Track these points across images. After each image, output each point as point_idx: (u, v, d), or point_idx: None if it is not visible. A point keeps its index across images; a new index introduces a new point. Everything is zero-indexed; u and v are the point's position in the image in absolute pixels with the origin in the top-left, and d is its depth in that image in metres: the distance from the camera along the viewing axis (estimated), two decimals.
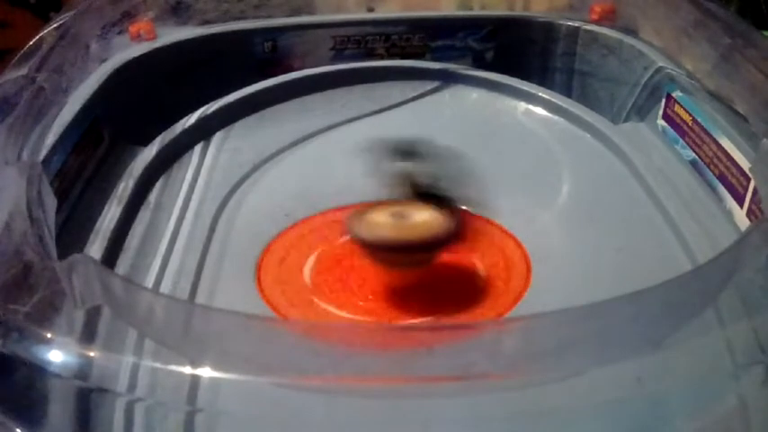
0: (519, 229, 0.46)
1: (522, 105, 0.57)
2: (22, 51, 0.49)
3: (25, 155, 0.40)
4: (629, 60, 0.59)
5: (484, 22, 0.65)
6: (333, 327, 0.32)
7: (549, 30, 0.64)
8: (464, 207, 0.43)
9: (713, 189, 0.47)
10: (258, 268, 0.44)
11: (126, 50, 0.58)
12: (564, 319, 0.29)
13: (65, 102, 0.49)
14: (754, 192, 0.42)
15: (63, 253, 0.33)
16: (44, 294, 0.31)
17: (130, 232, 0.45)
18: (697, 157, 0.49)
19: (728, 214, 0.45)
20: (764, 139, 0.41)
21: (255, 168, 0.52)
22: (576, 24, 0.63)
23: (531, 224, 0.47)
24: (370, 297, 0.42)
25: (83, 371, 0.29)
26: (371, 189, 0.50)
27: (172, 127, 0.53)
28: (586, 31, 0.63)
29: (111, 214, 0.45)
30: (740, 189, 0.44)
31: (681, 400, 0.29)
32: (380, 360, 0.28)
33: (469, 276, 0.43)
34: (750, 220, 0.43)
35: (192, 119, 0.54)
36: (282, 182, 0.51)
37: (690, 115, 0.50)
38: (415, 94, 0.59)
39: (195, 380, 0.28)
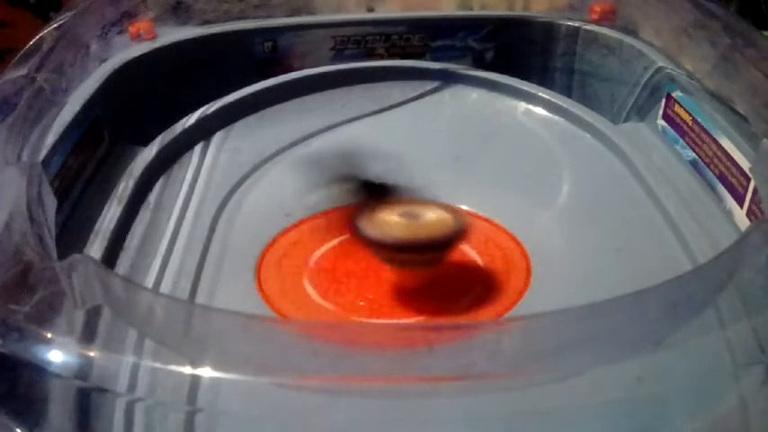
0: (519, 229, 0.46)
1: (522, 105, 0.57)
2: (22, 51, 0.49)
3: (25, 155, 0.40)
4: (629, 60, 0.59)
5: (484, 22, 0.65)
6: (333, 327, 0.32)
7: (549, 30, 0.64)
8: (400, 194, 0.43)
9: (713, 189, 0.47)
10: (258, 268, 0.44)
11: (126, 50, 0.58)
12: (564, 319, 0.29)
13: (65, 102, 0.49)
14: (754, 192, 0.42)
15: (63, 253, 0.33)
16: (44, 294, 0.31)
17: (130, 232, 0.45)
18: (697, 157, 0.49)
19: (728, 214, 0.45)
20: (764, 139, 0.41)
21: (255, 168, 0.52)
22: (576, 24, 0.63)
23: (531, 224, 0.47)
24: (371, 297, 0.42)
25: (83, 371, 0.29)
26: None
27: (172, 127, 0.53)
28: (586, 31, 0.63)
29: (111, 214, 0.45)
30: (740, 189, 0.44)
31: (681, 400, 0.29)
32: (380, 360, 0.28)
33: (469, 276, 0.43)
34: (750, 220, 0.43)
35: (192, 119, 0.54)
36: (282, 182, 0.51)
37: (690, 115, 0.50)
38: (415, 94, 0.59)
39: (195, 380, 0.28)
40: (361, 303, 0.42)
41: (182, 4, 0.63)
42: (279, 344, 0.29)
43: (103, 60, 0.56)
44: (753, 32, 0.49)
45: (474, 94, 0.59)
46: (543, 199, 0.49)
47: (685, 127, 0.51)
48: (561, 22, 0.64)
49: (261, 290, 0.42)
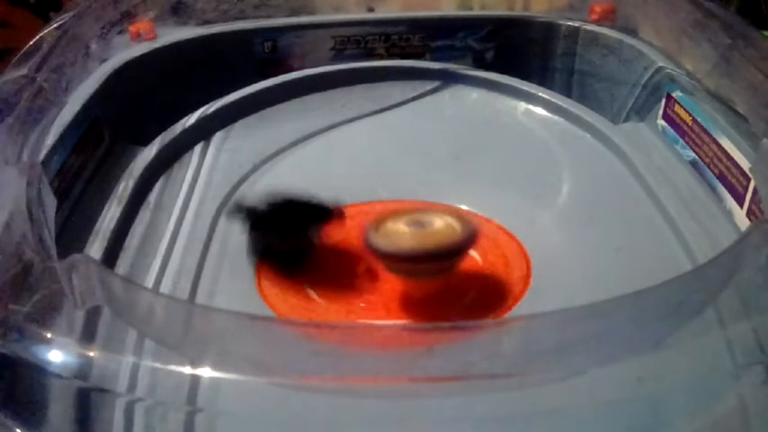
0: (519, 229, 0.46)
1: (522, 105, 0.57)
2: (22, 51, 0.49)
3: (25, 155, 0.40)
4: (629, 60, 0.59)
5: (484, 22, 0.65)
6: (333, 327, 0.32)
7: (549, 30, 0.64)
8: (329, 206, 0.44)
9: (713, 189, 0.47)
10: (258, 268, 0.44)
11: (126, 50, 0.58)
12: (564, 319, 0.29)
13: (65, 102, 0.49)
14: (754, 192, 0.42)
15: (63, 253, 0.33)
16: (44, 294, 0.31)
17: (130, 232, 0.45)
18: (697, 157, 0.49)
19: (728, 214, 0.45)
20: (764, 139, 0.41)
21: (255, 168, 0.52)
22: (576, 24, 0.63)
23: (531, 224, 0.47)
24: (370, 297, 0.42)
25: (83, 371, 0.29)
26: (371, 189, 0.50)
27: (172, 127, 0.53)
28: (586, 31, 0.63)
29: (111, 214, 0.45)
30: (740, 189, 0.44)
31: (681, 400, 0.29)
32: (380, 360, 0.28)
33: (469, 276, 0.43)
34: (750, 220, 0.43)
35: (192, 119, 0.54)
36: (282, 182, 0.51)
37: (690, 115, 0.50)
38: (415, 94, 0.59)
39: (195, 380, 0.28)
40: (362, 304, 0.42)
41: (182, 4, 0.63)
42: (279, 344, 0.29)
43: (103, 60, 0.56)
44: (753, 32, 0.49)
45: (474, 94, 0.59)
46: (543, 199, 0.49)
47: (685, 127, 0.51)
48: (561, 22, 0.64)
49: (261, 290, 0.42)
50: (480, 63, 0.65)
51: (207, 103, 0.56)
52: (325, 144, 0.55)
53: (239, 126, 0.56)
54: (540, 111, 0.57)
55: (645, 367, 0.28)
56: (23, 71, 0.46)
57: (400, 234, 0.40)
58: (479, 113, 0.58)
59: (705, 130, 0.48)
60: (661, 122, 0.54)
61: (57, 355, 0.29)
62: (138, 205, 0.47)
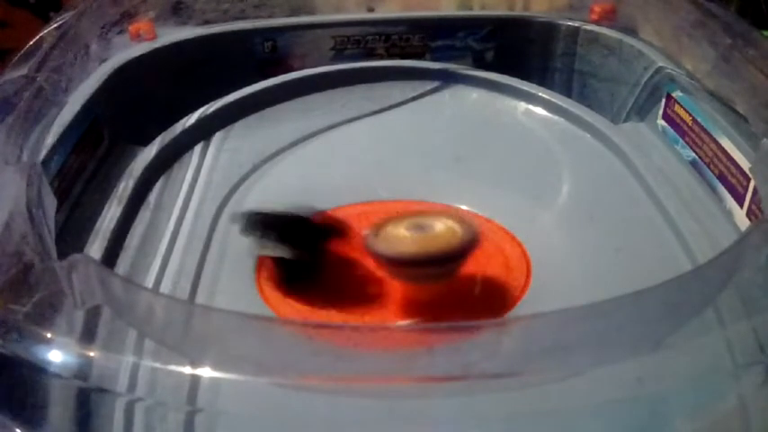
0: (519, 229, 0.46)
1: (522, 105, 0.57)
2: (22, 51, 0.49)
3: (25, 155, 0.40)
4: (629, 60, 0.59)
5: (484, 22, 0.65)
6: (333, 327, 0.32)
7: (549, 30, 0.64)
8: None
9: (713, 189, 0.47)
10: (258, 268, 0.44)
11: (126, 50, 0.58)
12: (564, 319, 0.29)
13: (65, 102, 0.49)
14: (754, 192, 0.42)
15: (63, 253, 0.33)
16: (44, 294, 0.31)
17: (130, 232, 0.45)
18: (697, 157, 0.49)
19: (728, 214, 0.45)
20: (764, 139, 0.41)
21: (255, 168, 0.52)
22: (576, 24, 0.63)
23: (531, 224, 0.47)
24: (370, 297, 0.42)
25: (83, 371, 0.29)
26: (371, 189, 0.50)
27: (172, 127, 0.53)
28: (586, 31, 0.63)
29: (111, 214, 0.45)
30: (740, 189, 0.44)
31: (681, 400, 0.29)
32: (380, 360, 0.28)
33: (469, 276, 0.43)
34: (750, 220, 0.43)
35: (192, 119, 0.54)
36: (282, 182, 0.51)
37: (690, 115, 0.50)
38: (415, 94, 0.59)
39: (195, 380, 0.28)
40: (362, 304, 0.41)
41: (182, 4, 0.63)
42: (279, 344, 0.29)
43: (103, 60, 0.56)
44: (753, 32, 0.49)
45: (474, 94, 0.59)
46: (543, 199, 0.49)
47: (685, 127, 0.51)
48: (561, 22, 0.64)
49: (261, 290, 0.42)
50: (480, 63, 0.65)
51: (207, 103, 0.56)
52: (325, 144, 0.55)
53: (239, 126, 0.56)
54: (540, 111, 0.57)
55: (645, 367, 0.28)
56: (23, 71, 0.46)
57: (401, 239, 0.39)
58: (479, 113, 0.58)
59: (705, 130, 0.48)
60: (661, 122, 0.54)
61: (57, 355, 0.29)
62: (138, 205, 0.47)
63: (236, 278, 0.43)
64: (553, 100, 0.57)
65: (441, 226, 0.40)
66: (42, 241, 0.34)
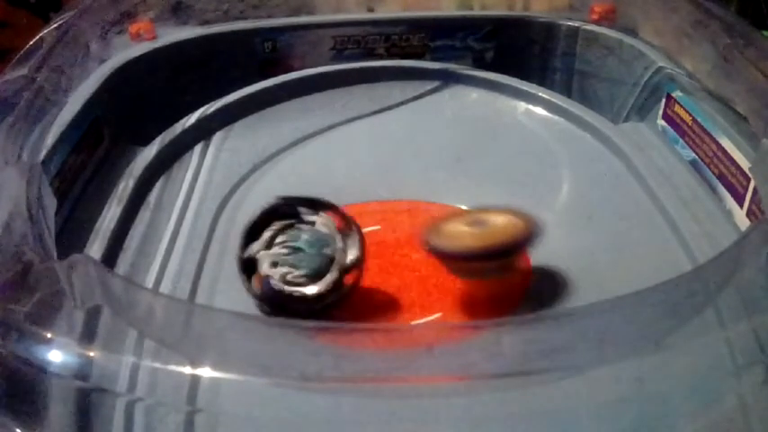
0: None
1: (522, 105, 0.57)
2: (22, 51, 0.49)
3: (25, 155, 0.40)
4: (629, 60, 0.59)
5: (484, 22, 0.65)
6: (333, 327, 0.32)
7: (549, 30, 0.64)
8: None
9: (713, 189, 0.47)
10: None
11: (126, 50, 0.58)
12: (564, 319, 0.29)
13: (65, 102, 0.49)
14: (754, 192, 0.42)
15: (63, 253, 0.33)
16: (44, 294, 0.31)
17: (130, 232, 0.45)
18: (697, 157, 0.49)
19: (728, 214, 0.45)
20: (764, 139, 0.41)
21: (255, 168, 0.52)
22: (576, 24, 0.63)
23: None
24: (367, 298, 0.42)
25: (83, 371, 0.29)
26: (371, 189, 0.50)
27: (172, 127, 0.53)
28: (586, 31, 0.63)
29: (111, 214, 0.45)
30: (740, 189, 0.44)
31: (681, 400, 0.29)
32: (380, 360, 0.28)
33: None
34: (750, 220, 0.43)
35: (191, 119, 0.54)
36: (282, 182, 0.51)
37: (690, 115, 0.50)
38: (415, 94, 0.59)
39: (195, 380, 0.28)
40: (361, 303, 0.41)
41: (182, 4, 0.63)
42: (279, 344, 0.29)
43: (103, 60, 0.56)
44: (753, 32, 0.49)
45: (474, 94, 0.59)
46: (543, 199, 0.49)
47: (685, 127, 0.51)
48: (561, 22, 0.64)
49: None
50: (480, 63, 0.65)
51: (207, 103, 0.56)
52: (325, 144, 0.55)
53: (239, 126, 0.56)
54: (540, 111, 0.57)
55: (645, 367, 0.28)
56: (23, 71, 0.46)
57: (461, 234, 0.39)
58: (479, 113, 0.58)
59: (705, 130, 0.48)
60: (661, 122, 0.54)
61: (57, 355, 0.29)
62: (138, 205, 0.47)
63: (236, 278, 0.43)
64: (553, 100, 0.57)
65: (500, 220, 0.40)
66: (42, 241, 0.34)
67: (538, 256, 0.44)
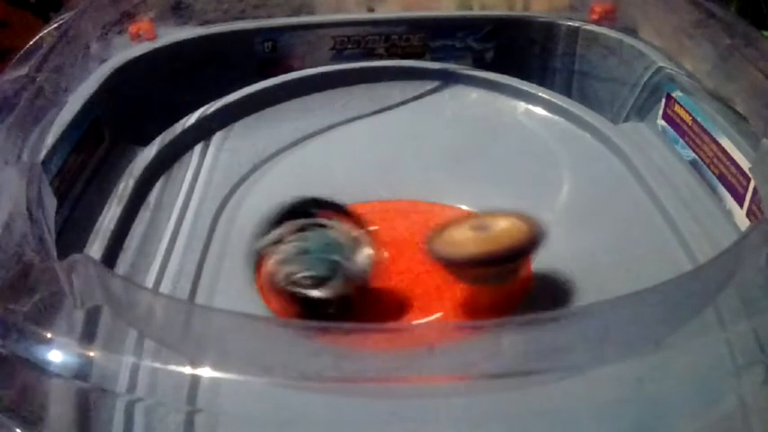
0: None
1: (522, 105, 0.57)
2: (22, 51, 0.49)
3: (25, 155, 0.40)
4: (629, 60, 0.59)
5: (484, 22, 0.65)
6: (333, 327, 0.32)
7: (549, 30, 0.64)
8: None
9: (713, 189, 0.47)
10: (258, 268, 0.44)
11: (126, 50, 0.58)
12: (564, 319, 0.29)
13: (65, 102, 0.49)
14: (754, 192, 0.42)
15: (63, 253, 0.33)
16: (44, 294, 0.31)
17: (130, 232, 0.45)
18: (697, 157, 0.49)
19: (728, 214, 0.45)
20: (764, 139, 0.41)
21: (255, 168, 0.52)
22: (576, 24, 0.63)
23: None
24: (367, 298, 0.42)
25: (83, 371, 0.29)
26: (371, 189, 0.50)
27: (172, 127, 0.53)
28: (586, 31, 0.63)
29: (111, 214, 0.45)
30: (740, 189, 0.44)
31: (681, 400, 0.29)
32: (380, 360, 0.28)
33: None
34: (750, 220, 0.43)
35: (192, 119, 0.54)
36: (282, 182, 0.51)
37: (690, 115, 0.50)
38: (415, 94, 0.59)
39: (195, 380, 0.28)
40: (361, 303, 0.41)
41: (182, 4, 0.63)
42: (279, 344, 0.29)
43: (103, 60, 0.56)
44: (753, 32, 0.49)
45: (474, 94, 0.59)
46: (543, 199, 0.49)
47: (685, 127, 0.51)
48: (561, 22, 0.64)
49: (261, 290, 0.42)
50: (480, 63, 0.65)
51: (207, 103, 0.56)
52: (325, 144, 0.55)
53: (239, 126, 0.56)
54: (540, 111, 0.57)
55: (645, 367, 0.28)
56: (23, 71, 0.46)
57: (464, 240, 0.39)
58: (479, 113, 0.58)
59: (705, 130, 0.48)
60: (661, 122, 0.54)
61: (57, 355, 0.29)
62: (138, 205, 0.47)
63: (236, 278, 0.43)
64: (553, 100, 0.57)
65: (503, 224, 0.39)
66: (42, 241, 0.34)
67: (538, 255, 0.44)
